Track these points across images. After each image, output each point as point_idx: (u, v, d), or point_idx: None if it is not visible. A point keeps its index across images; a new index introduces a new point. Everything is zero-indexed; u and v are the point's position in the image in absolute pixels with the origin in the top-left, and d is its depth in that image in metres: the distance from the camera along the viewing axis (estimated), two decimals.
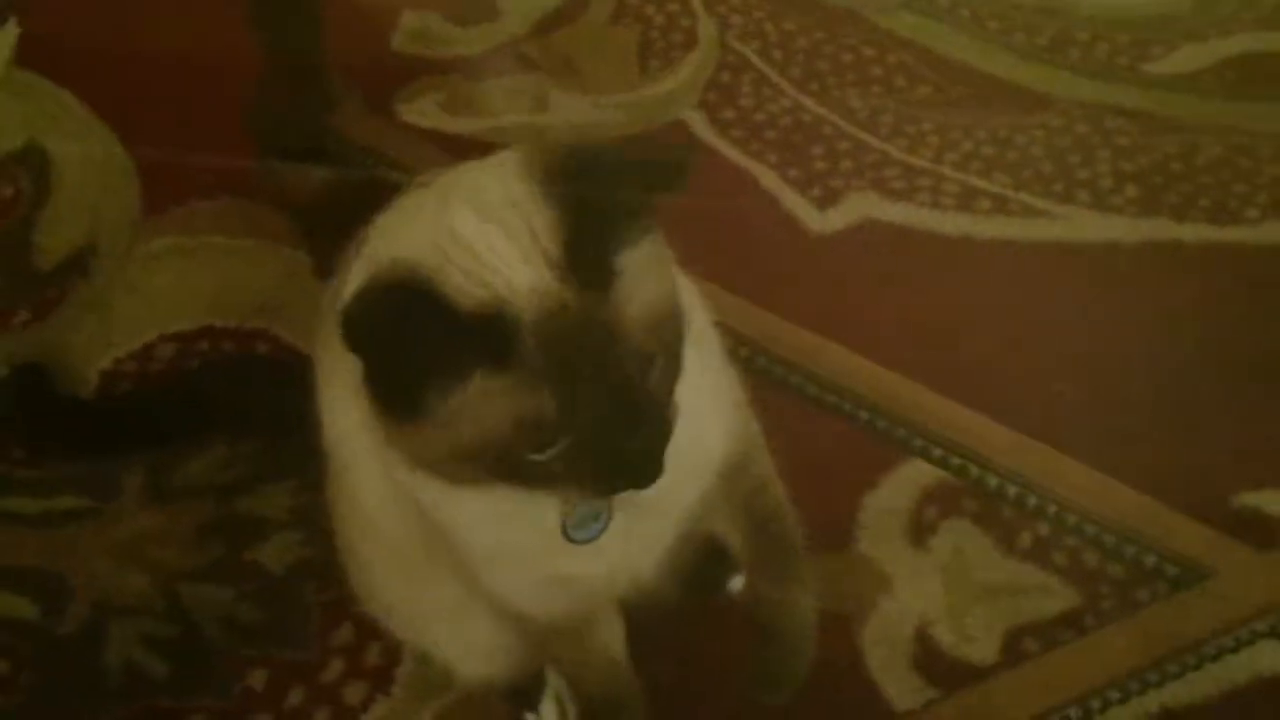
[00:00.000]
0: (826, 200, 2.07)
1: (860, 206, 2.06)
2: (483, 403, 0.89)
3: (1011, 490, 1.71)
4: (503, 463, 0.93)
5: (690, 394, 1.09)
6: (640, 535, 1.14)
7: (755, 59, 2.31)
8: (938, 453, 1.74)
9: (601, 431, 0.92)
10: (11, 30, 2.34)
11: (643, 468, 0.96)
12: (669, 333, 0.96)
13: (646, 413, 0.94)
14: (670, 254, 1.01)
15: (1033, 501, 1.70)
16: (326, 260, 1.19)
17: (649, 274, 0.94)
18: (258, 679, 1.58)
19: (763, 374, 1.83)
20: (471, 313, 0.87)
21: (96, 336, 1.91)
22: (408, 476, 1.03)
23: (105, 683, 1.58)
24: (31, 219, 2.07)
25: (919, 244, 2.02)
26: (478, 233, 0.90)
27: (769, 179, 2.11)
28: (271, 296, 1.95)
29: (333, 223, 1.13)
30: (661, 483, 1.05)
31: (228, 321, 1.94)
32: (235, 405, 1.77)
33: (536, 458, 0.92)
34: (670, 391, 0.98)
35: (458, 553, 1.14)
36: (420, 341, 0.86)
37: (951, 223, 2.04)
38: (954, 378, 1.83)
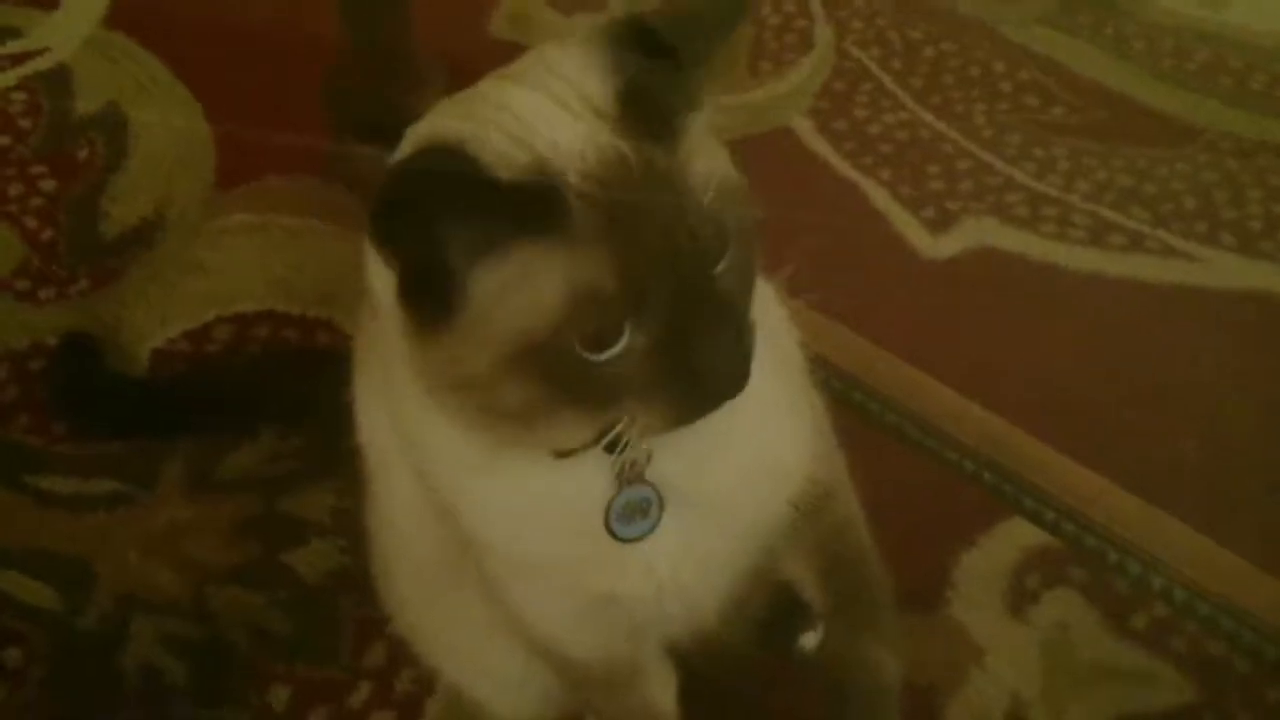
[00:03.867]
0: (940, 223, 1.93)
1: (977, 232, 1.92)
2: (527, 279, 0.77)
3: (1131, 565, 1.53)
4: (557, 368, 0.79)
5: (768, 405, 0.98)
6: (696, 550, 1.00)
7: (874, 67, 2.16)
8: (1050, 516, 1.57)
9: (675, 314, 0.78)
10: None
11: (725, 369, 0.81)
12: (739, 209, 0.83)
13: (724, 296, 0.81)
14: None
15: (1154, 580, 1.52)
16: None
17: (711, 141, 0.84)
18: (279, 696, 1.46)
19: (857, 409, 1.68)
20: (510, 179, 0.77)
21: (153, 313, 1.83)
22: (434, 461, 0.96)
23: (120, 684, 1.47)
24: (103, 184, 2.00)
25: (1041, 278, 1.86)
26: (521, 99, 0.81)
27: (879, 196, 1.98)
28: (338, 284, 1.84)
29: None
30: (722, 486, 0.96)
31: (290, 308, 1.84)
32: (289, 397, 1.68)
33: (597, 358, 0.79)
34: (746, 293, 0.85)
35: (483, 564, 1.03)
36: (454, 218, 0.76)
37: (1079, 258, 1.88)
38: (1070, 429, 1.66)
